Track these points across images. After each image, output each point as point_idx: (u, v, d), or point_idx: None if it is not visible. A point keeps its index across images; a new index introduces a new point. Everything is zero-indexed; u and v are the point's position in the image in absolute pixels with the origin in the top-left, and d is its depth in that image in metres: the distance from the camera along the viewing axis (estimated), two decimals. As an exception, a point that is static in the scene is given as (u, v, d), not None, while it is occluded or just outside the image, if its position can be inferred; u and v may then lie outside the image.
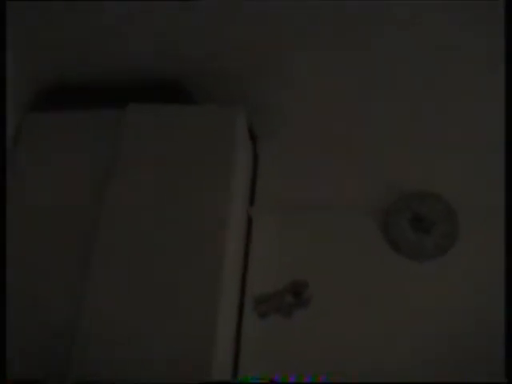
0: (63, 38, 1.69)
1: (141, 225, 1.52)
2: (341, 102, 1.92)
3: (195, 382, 1.31)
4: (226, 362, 1.64)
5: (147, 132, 1.67)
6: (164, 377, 1.33)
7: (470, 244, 1.80)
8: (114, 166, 1.60)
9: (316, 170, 1.98)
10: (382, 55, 1.71)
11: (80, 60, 1.79)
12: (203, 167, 1.61)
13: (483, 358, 1.65)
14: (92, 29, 1.67)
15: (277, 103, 1.95)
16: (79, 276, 1.46)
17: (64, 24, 1.63)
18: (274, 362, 1.72)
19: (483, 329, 1.70)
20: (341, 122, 1.98)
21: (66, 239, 1.54)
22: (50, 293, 1.47)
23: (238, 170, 1.70)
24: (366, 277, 1.80)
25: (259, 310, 1.81)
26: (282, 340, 1.75)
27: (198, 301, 1.44)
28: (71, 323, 1.40)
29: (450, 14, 1.53)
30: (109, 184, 1.57)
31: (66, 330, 1.40)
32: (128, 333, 1.39)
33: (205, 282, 1.47)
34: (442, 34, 1.61)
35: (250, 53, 1.77)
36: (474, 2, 1.47)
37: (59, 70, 1.81)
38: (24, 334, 1.41)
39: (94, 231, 1.51)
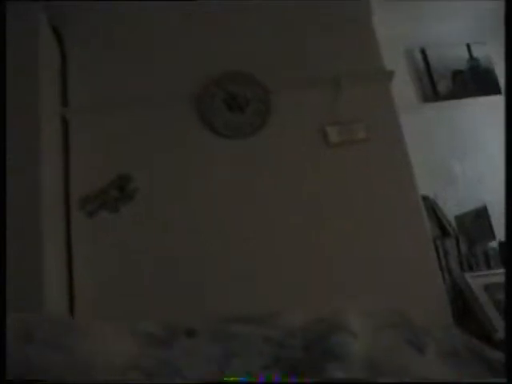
0: None
1: None
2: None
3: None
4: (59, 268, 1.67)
5: None
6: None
7: (281, 120, 1.86)
8: None
9: (127, 67, 1.94)
10: None
11: None
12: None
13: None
14: None
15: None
16: None
17: None
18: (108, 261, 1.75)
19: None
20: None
21: None
22: None
23: (43, 67, 1.67)
24: (188, 162, 1.83)
25: (86, 209, 1.81)
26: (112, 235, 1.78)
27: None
28: None
29: None
30: None
31: None
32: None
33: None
34: None
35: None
36: None
37: None
38: None
39: None
